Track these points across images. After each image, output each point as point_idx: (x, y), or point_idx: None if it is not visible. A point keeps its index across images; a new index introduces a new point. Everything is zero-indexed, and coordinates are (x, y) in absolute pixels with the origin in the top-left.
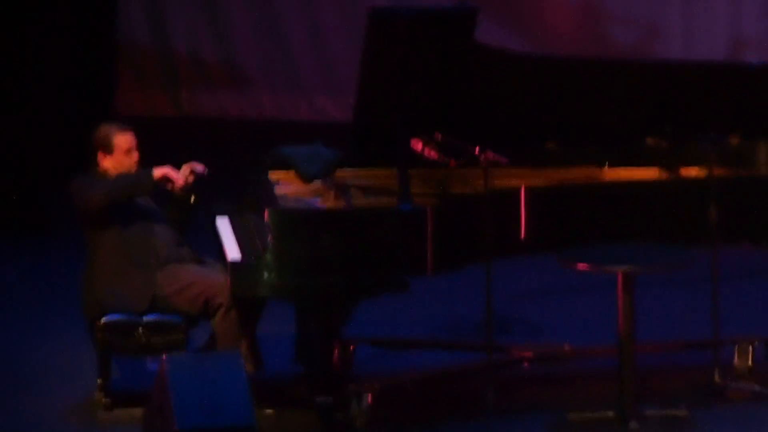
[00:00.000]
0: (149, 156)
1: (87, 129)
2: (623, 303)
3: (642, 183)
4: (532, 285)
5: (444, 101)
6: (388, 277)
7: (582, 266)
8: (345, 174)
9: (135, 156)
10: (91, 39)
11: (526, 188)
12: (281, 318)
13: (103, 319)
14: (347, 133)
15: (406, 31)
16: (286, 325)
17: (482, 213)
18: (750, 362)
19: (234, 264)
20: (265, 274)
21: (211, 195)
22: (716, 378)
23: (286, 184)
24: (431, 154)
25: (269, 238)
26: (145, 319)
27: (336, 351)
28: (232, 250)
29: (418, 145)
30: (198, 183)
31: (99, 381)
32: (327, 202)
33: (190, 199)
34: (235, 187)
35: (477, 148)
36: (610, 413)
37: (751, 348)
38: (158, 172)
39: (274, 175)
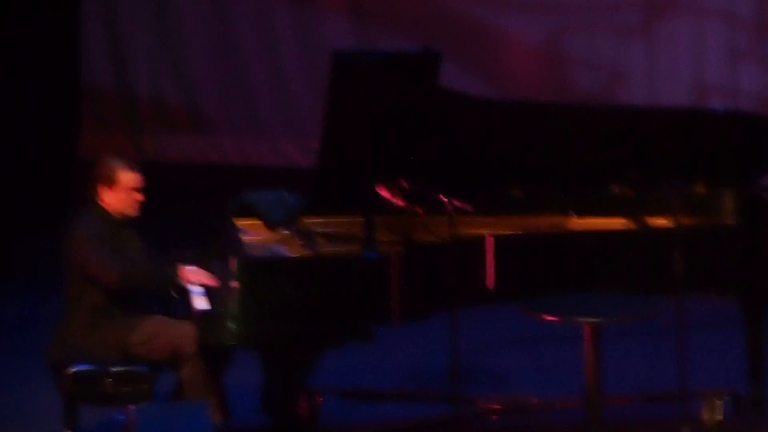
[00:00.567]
0: None
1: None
2: (589, 355)
3: (607, 232)
4: (498, 335)
5: (408, 146)
6: (352, 326)
7: (548, 317)
8: (309, 221)
9: (138, 197)
10: (53, 82)
11: (491, 237)
12: (249, 367)
13: (71, 369)
14: (311, 178)
15: (370, 74)
16: (253, 375)
17: (447, 261)
18: (719, 416)
19: (200, 313)
20: (231, 323)
21: (176, 242)
22: None
23: (250, 232)
24: (397, 201)
25: (233, 285)
26: (113, 369)
27: (303, 401)
28: (199, 300)
29: (384, 192)
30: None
31: (65, 431)
32: (292, 249)
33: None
34: (199, 234)
35: (442, 196)
36: None
37: (719, 402)
38: (186, 275)
39: (238, 223)
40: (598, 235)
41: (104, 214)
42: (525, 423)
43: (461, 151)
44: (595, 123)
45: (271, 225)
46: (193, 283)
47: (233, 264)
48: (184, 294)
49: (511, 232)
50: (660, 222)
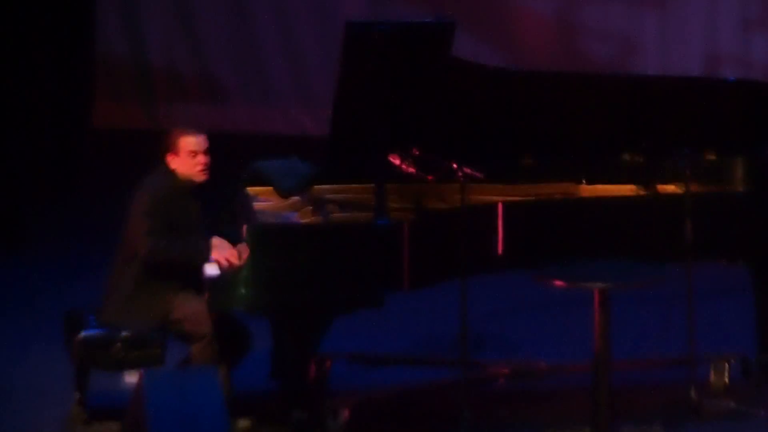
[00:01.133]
0: (124, 168)
1: (63, 142)
2: (599, 320)
3: (618, 199)
4: (508, 301)
5: (420, 115)
6: (363, 293)
7: (558, 283)
8: (321, 188)
9: (201, 159)
10: (67, 52)
11: (502, 204)
12: (258, 334)
13: (82, 334)
14: (323, 147)
15: (383, 44)
16: (262, 340)
17: (458, 228)
18: (726, 380)
19: (211, 279)
20: (242, 289)
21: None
22: (692, 395)
23: (262, 199)
24: (408, 169)
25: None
26: (123, 333)
27: (312, 366)
28: (210, 266)
29: (395, 160)
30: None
31: (76, 395)
32: (304, 217)
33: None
34: (212, 201)
35: (454, 163)
36: (586, 430)
37: (727, 365)
38: (215, 254)
39: (251, 190)
40: (608, 201)
41: (172, 178)
42: (533, 387)
43: (473, 120)
44: (608, 93)
45: (283, 193)
46: (217, 261)
47: (244, 230)
48: None
49: (521, 199)
50: (670, 189)
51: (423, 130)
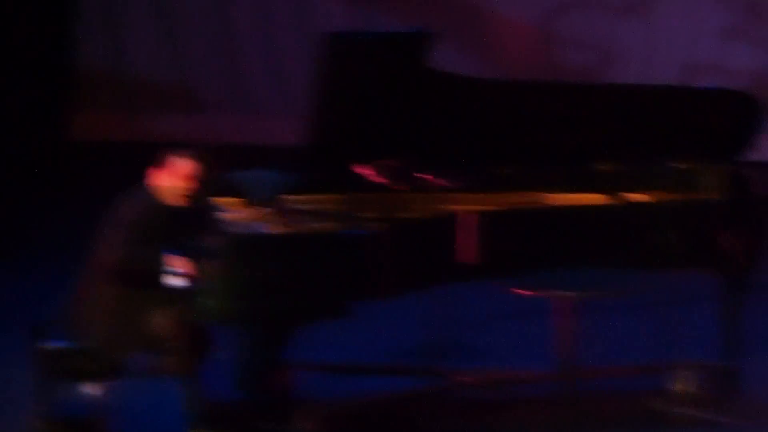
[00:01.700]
0: (103, 181)
1: (42, 153)
2: (565, 329)
3: (589, 207)
4: (476, 310)
5: (397, 125)
6: (328, 302)
7: (524, 292)
8: (294, 198)
9: (192, 185)
10: (47, 63)
11: (474, 213)
12: (221, 342)
13: (44, 345)
14: (297, 156)
15: (362, 54)
16: (225, 350)
17: (430, 238)
18: (692, 388)
19: (179, 290)
20: (209, 299)
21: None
22: (658, 403)
23: (232, 210)
24: (382, 179)
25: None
26: (87, 344)
27: (277, 376)
28: (172, 278)
29: (369, 170)
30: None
31: (37, 407)
32: (274, 227)
33: None
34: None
35: (427, 173)
36: None
37: (692, 373)
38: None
39: (220, 201)
40: (580, 210)
41: (156, 195)
42: (500, 396)
43: (449, 130)
44: (585, 102)
45: (253, 203)
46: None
47: (209, 241)
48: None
49: (493, 209)
50: (641, 198)
51: (399, 139)
